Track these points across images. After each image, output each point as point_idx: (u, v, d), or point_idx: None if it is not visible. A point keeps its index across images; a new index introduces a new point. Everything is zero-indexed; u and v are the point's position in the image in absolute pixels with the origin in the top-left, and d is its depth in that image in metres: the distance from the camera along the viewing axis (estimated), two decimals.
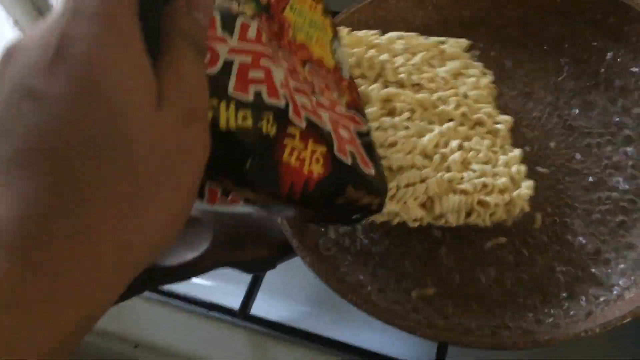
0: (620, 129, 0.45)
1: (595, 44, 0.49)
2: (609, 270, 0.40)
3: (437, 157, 0.40)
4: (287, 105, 0.28)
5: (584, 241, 0.41)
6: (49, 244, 0.20)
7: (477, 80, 0.44)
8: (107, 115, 0.21)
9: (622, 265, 0.40)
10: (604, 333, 0.35)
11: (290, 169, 0.28)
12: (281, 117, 0.28)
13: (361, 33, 0.45)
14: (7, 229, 0.20)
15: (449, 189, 0.39)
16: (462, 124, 0.42)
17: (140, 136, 0.21)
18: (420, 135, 0.41)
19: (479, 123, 0.42)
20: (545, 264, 0.41)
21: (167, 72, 0.23)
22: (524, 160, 0.41)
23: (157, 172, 0.22)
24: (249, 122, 0.26)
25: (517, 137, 0.44)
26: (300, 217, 0.40)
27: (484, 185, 0.39)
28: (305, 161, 0.29)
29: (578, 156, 0.45)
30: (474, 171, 0.40)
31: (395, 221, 0.39)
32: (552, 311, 0.39)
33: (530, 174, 0.41)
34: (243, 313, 0.49)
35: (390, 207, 0.38)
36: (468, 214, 0.39)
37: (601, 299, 0.39)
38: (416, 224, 0.39)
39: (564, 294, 0.40)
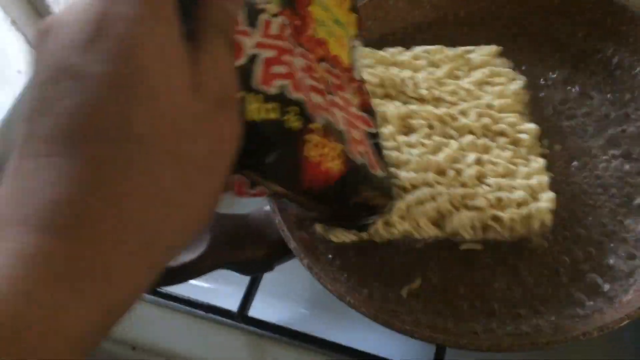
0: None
1: (595, 44, 0.49)
2: (607, 274, 0.40)
3: (451, 172, 0.39)
4: (307, 101, 0.28)
5: (583, 244, 0.41)
6: (94, 224, 0.20)
7: (504, 88, 0.44)
8: (147, 98, 0.21)
9: (619, 269, 0.40)
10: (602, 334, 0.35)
11: (312, 164, 0.28)
12: (304, 112, 0.28)
13: (386, 52, 0.46)
14: (55, 208, 0.20)
15: (461, 206, 0.38)
16: (484, 135, 0.42)
17: (178, 119, 0.21)
18: (437, 151, 0.40)
19: (501, 134, 0.42)
20: (544, 267, 0.41)
21: (203, 59, 0.23)
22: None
23: (195, 155, 0.22)
24: (275, 115, 0.26)
25: None
26: (311, 215, 0.40)
27: (499, 200, 0.39)
28: (325, 157, 0.29)
29: (575, 163, 0.44)
30: (489, 186, 0.39)
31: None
32: (550, 314, 0.39)
33: None
34: (241, 315, 0.48)
35: (402, 226, 0.38)
36: (485, 230, 0.39)
37: (599, 301, 0.39)
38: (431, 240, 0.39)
39: (562, 297, 0.39)
